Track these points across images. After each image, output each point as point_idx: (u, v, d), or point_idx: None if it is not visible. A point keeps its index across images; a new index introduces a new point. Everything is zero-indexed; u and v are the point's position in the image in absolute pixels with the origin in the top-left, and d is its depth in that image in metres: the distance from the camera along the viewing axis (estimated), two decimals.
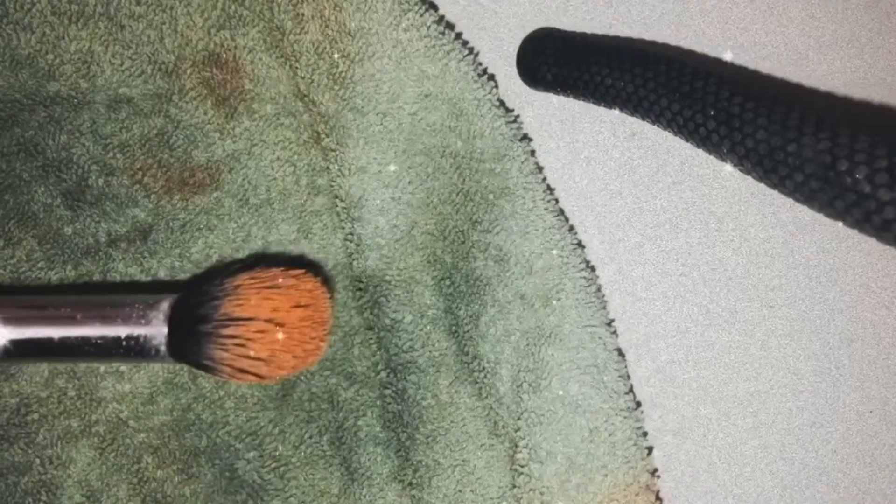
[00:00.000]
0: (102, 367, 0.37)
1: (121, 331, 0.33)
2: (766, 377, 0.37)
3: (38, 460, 0.36)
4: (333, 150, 0.38)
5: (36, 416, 0.37)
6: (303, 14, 0.37)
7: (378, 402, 0.38)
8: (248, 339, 0.32)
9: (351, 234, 0.38)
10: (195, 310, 0.33)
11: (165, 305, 0.34)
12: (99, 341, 0.33)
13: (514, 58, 0.39)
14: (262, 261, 0.37)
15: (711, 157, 0.33)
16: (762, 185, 0.37)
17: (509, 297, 0.37)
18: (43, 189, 0.37)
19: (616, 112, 0.37)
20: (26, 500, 0.36)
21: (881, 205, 0.26)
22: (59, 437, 0.36)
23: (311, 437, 0.37)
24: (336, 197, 0.38)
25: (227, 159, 0.38)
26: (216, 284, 0.34)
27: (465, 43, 0.39)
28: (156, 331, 0.33)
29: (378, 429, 0.38)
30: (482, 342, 0.37)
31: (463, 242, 0.37)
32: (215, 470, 0.37)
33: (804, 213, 0.37)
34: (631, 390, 0.36)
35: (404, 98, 0.37)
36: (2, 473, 0.36)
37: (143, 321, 0.33)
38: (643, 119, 0.36)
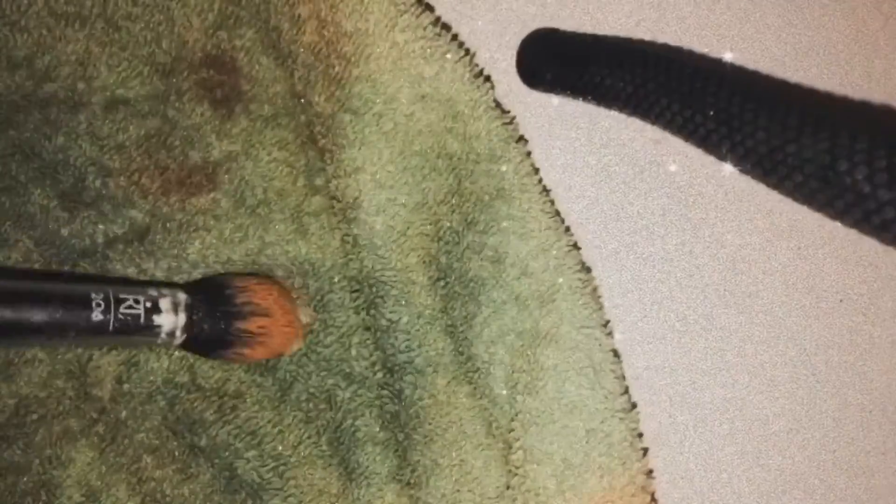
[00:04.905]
0: (101, 368, 0.37)
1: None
2: (743, 384, 0.37)
3: (37, 461, 0.36)
4: (330, 151, 0.38)
5: (35, 416, 0.37)
6: (299, 15, 0.37)
7: (376, 402, 0.38)
8: (264, 333, 0.35)
9: (347, 234, 0.38)
10: (216, 305, 0.35)
11: (182, 296, 0.34)
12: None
13: (512, 58, 0.39)
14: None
15: (692, 162, 0.33)
16: (740, 192, 0.37)
17: (504, 297, 0.37)
18: (40, 191, 0.37)
19: (614, 113, 0.37)
20: (25, 501, 0.36)
21: (881, 205, 0.26)
22: (58, 437, 0.37)
23: (309, 437, 0.38)
24: (333, 198, 0.38)
25: (225, 160, 0.38)
26: (228, 282, 0.35)
27: (461, 44, 0.39)
28: (174, 319, 0.34)
29: (376, 429, 0.38)
30: (477, 342, 0.37)
31: (458, 243, 0.37)
32: (214, 469, 0.37)
33: (781, 219, 0.37)
34: (627, 391, 0.36)
35: (400, 99, 0.37)
36: (1, 474, 0.36)
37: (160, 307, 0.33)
38: (643, 119, 0.35)
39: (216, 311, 0.35)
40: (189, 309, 0.34)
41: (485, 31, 0.40)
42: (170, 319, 0.33)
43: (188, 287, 0.36)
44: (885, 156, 0.26)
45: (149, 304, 0.33)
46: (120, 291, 0.33)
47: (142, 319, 0.33)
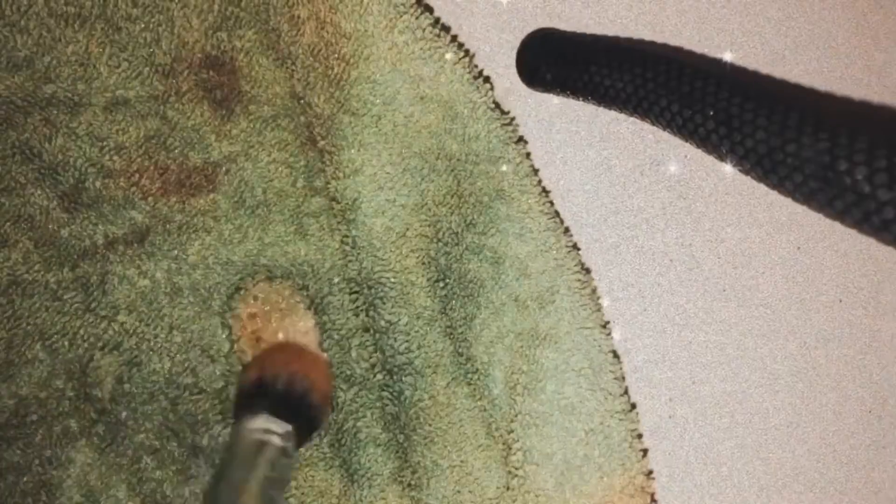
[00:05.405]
0: (101, 368, 0.37)
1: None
2: (743, 377, 0.37)
3: (36, 461, 0.36)
4: (329, 152, 0.38)
5: (35, 416, 0.37)
6: (299, 16, 0.37)
7: (377, 404, 0.38)
8: (326, 390, 0.38)
9: (346, 235, 0.38)
10: (292, 403, 0.35)
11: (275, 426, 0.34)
12: None
13: (512, 58, 0.39)
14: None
15: (691, 159, 0.33)
16: (739, 188, 0.37)
17: (504, 298, 0.37)
18: (39, 192, 0.37)
19: (614, 113, 0.36)
20: (25, 501, 0.36)
21: (880, 205, 0.26)
22: (57, 437, 0.37)
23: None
24: (332, 199, 0.38)
25: (224, 161, 0.38)
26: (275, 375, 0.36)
27: (460, 45, 0.39)
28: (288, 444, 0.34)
29: (378, 430, 0.38)
30: (476, 343, 0.37)
31: (457, 244, 0.37)
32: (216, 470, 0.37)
33: (780, 214, 0.37)
34: (626, 392, 0.36)
35: (399, 101, 0.37)
36: (1, 474, 0.36)
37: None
38: (643, 119, 0.35)
39: (296, 409, 0.35)
40: (287, 434, 0.34)
41: (485, 31, 0.39)
42: (289, 445, 0.34)
43: (253, 406, 0.35)
44: (884, 156, 0.26)
45: (283, 443, 0.33)
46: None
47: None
